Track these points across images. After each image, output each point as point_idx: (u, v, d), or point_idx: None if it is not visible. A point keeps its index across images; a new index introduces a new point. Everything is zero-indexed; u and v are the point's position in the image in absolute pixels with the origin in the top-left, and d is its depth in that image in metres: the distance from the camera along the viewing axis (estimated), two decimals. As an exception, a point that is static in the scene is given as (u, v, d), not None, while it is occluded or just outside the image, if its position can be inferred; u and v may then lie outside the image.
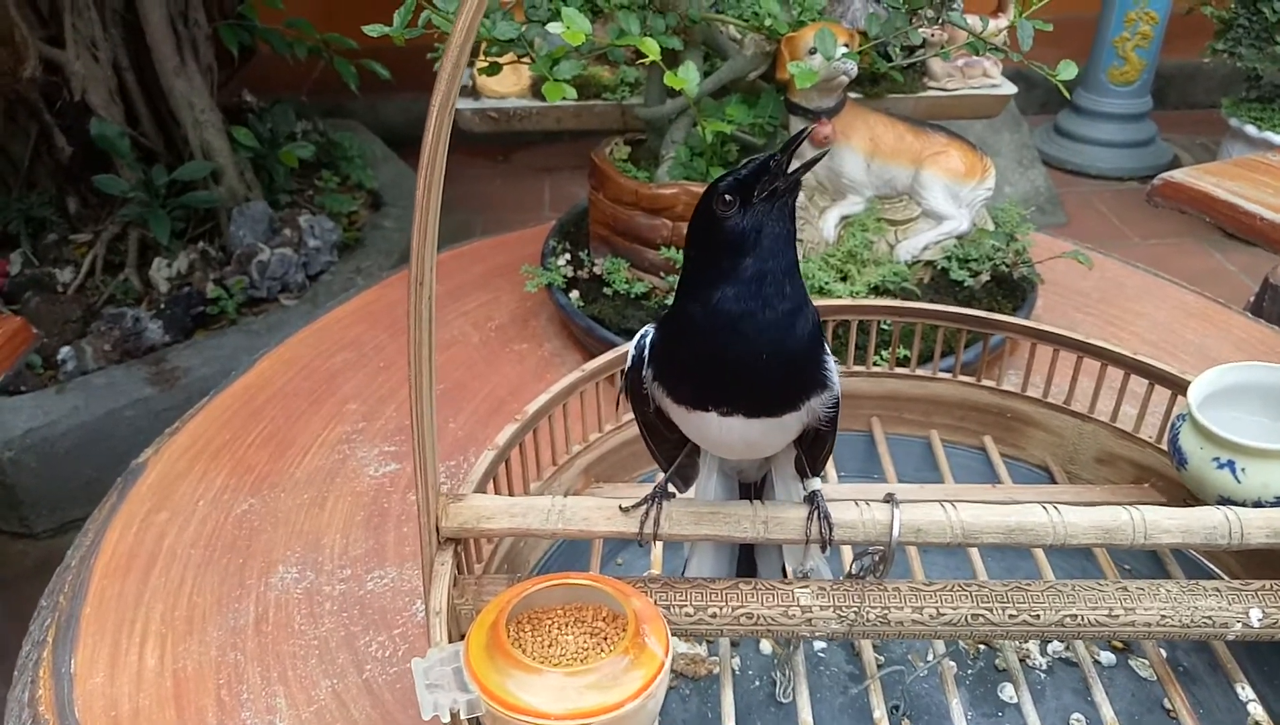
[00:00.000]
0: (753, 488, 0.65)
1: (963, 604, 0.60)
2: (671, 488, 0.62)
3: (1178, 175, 1.65)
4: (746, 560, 0.65)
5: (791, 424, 0.55)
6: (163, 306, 2.10)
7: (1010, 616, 0.59)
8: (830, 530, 0.58)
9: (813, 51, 0.96)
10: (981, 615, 0.59)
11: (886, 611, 0.59)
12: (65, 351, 1.98)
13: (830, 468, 0.83)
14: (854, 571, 0.62)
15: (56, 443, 1.84)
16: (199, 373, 1.98)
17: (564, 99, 0.93)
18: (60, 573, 0.84)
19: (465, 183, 3.28)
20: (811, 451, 0.59)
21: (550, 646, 0.53)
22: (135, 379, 1.95)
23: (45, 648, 0.76)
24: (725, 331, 0.51)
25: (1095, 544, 0.58)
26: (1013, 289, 1.05)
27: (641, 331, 0.58)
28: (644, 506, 0.59)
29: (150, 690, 0.72)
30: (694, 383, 0.54)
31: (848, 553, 0.74)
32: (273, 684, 0.72)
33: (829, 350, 0.55)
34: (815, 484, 0.61)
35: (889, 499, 0.59)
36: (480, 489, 0.64)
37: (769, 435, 0.56)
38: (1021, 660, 0.69)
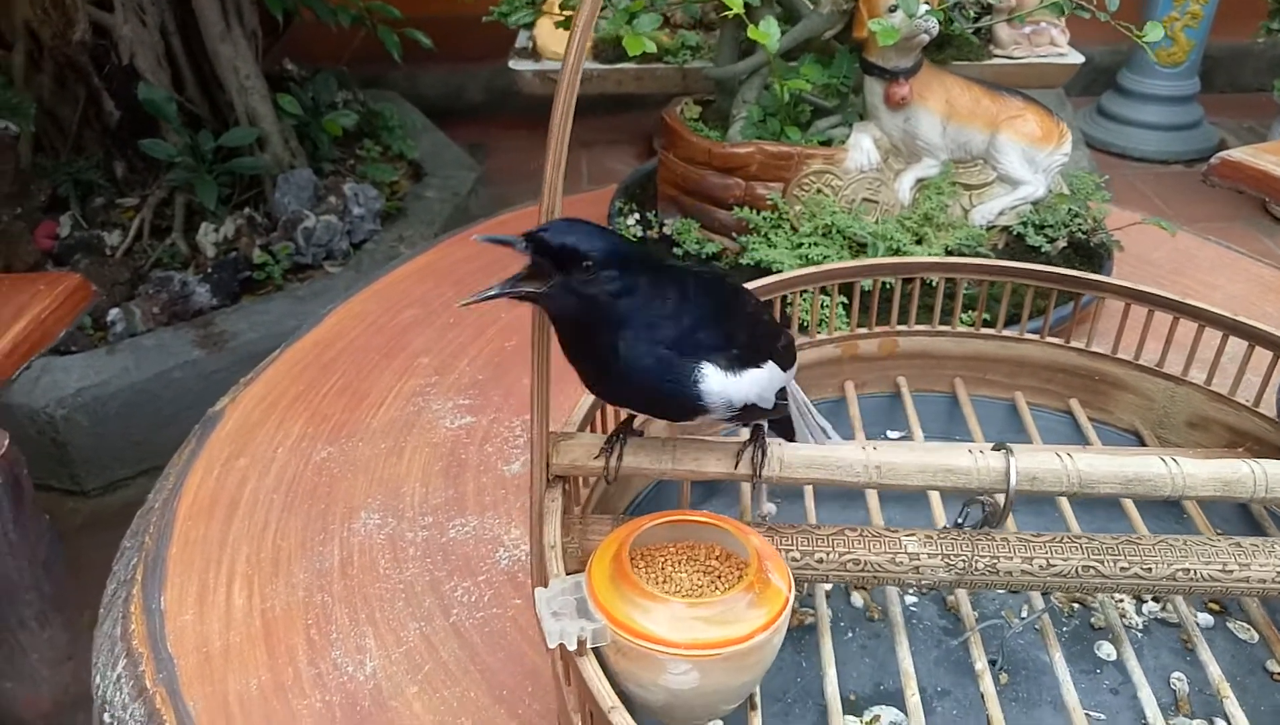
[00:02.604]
0: None
1: (1073, 556, 0.59)
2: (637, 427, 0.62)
3: (1236, 154, 1.62)
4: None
5: (692, 423, 0.57)
6: (210, 271, 2.11)
7: (1121, 569, 0.59)
8: (763, 463, 0.58)
9: (893, 9, 0.95)
10: (1093, 567, 0.59)
11: (996, 561, 0.59)
12: (114, 313, 2.00)
13: (915, 427, 0.82)
14: (961, 522, 0.61)
15: (107, 402, 1.85)
16: (246, 337, 1.99)
17: (643, 52, 0.92)
18: (143, 514, 0.84)
19: (503, 154, 3.28)
20: (741, 419, 0.58)
21: (664, 583, 0.53)
22: (184, 341, 1.96)
23: (134, 585, 0.76)
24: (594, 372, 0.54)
25: (1213, 496, 0.57)
26: (1089, 256, 1.03)
27: None
28: (607, 453, 0.59)
29: (240, 628, 0.72)
30: (591, 383, 0.57)
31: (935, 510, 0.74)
32: (361, 625, 0.72)
33: (711, 374, 0.53)
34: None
35: (1002, 447, 0.58)
36: (580, 430, 0.64)
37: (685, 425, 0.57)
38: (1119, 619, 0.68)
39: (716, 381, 0.53)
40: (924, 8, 0.93)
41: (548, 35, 1.32)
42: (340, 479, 0.85)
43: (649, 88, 1.35)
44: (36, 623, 1.31)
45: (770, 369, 0.56)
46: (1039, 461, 0.57)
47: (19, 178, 2.05)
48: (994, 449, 0.59)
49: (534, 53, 1.34)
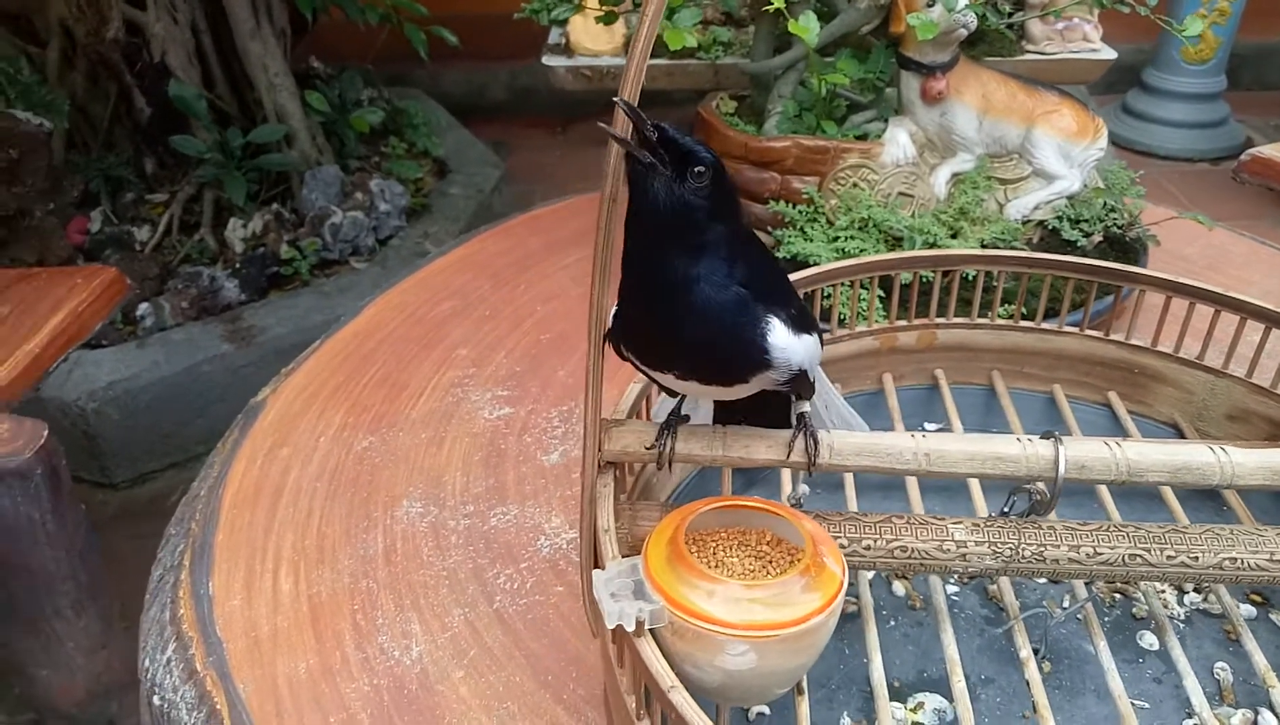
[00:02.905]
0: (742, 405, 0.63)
1: (1120, 544, 0.59)
2: (687, 414, 0.62)
3: (1266, 150, 1.62)
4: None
5: (743, 390, 0.55)
6: (238, 266, 2.13)
7: (1168, 558, 0.59)
8: (816, 452, 0.58)
9: (931, 4, 0.95)
10: (1139, 556, 0.59)
11: (1043, 549, 0.59)
12: (144, 308, 2.02)
13: (954, 419, 0.82)
14: (1007, 510, 0.62)
15: (138, 396, 1.87)
16: (274, 331, 2.01)
17: (683, 46, 0.93)
18: (189, 501, 0.85)
19: (524, 153, 3.29)
20: (790, 388, 0.59)
21: (716, 568, 0.53)
22: (213, 336, 1.98)
23: (182, 571, 0.77)
24: (653, 313, 0.52)
25: (1261, 485, 0.57)
26: (1125, 250, 1.03)
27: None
28: (662, 437, 0.59)
29: (287, 613, 0.73)
30: (647, 352, 0.55)
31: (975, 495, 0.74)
32: (406, 611, 0.73)
33: (777, 325, 0.53)
34: (804, 406, 0.60)
35: (1050, 435, 0.59)
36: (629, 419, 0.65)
37: (728, 393, 0.56)
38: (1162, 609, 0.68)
39: (782, 336, 0.52)
40: (962, 2, 0.94)
41: (581, 31, 1.33)
42: (382, 468, 0.86)
43: (680, 84, 1.35)
44: (72, 611, 1.33)
45: (816, 342, 0.56)
46: (1088, 449, 0.58)
47: (52, 173, 2.07)
48: (1043, 437, 0.59)
49: (567, 49, 1.35)
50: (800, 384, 0.56)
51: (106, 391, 1.85)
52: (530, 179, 3.10)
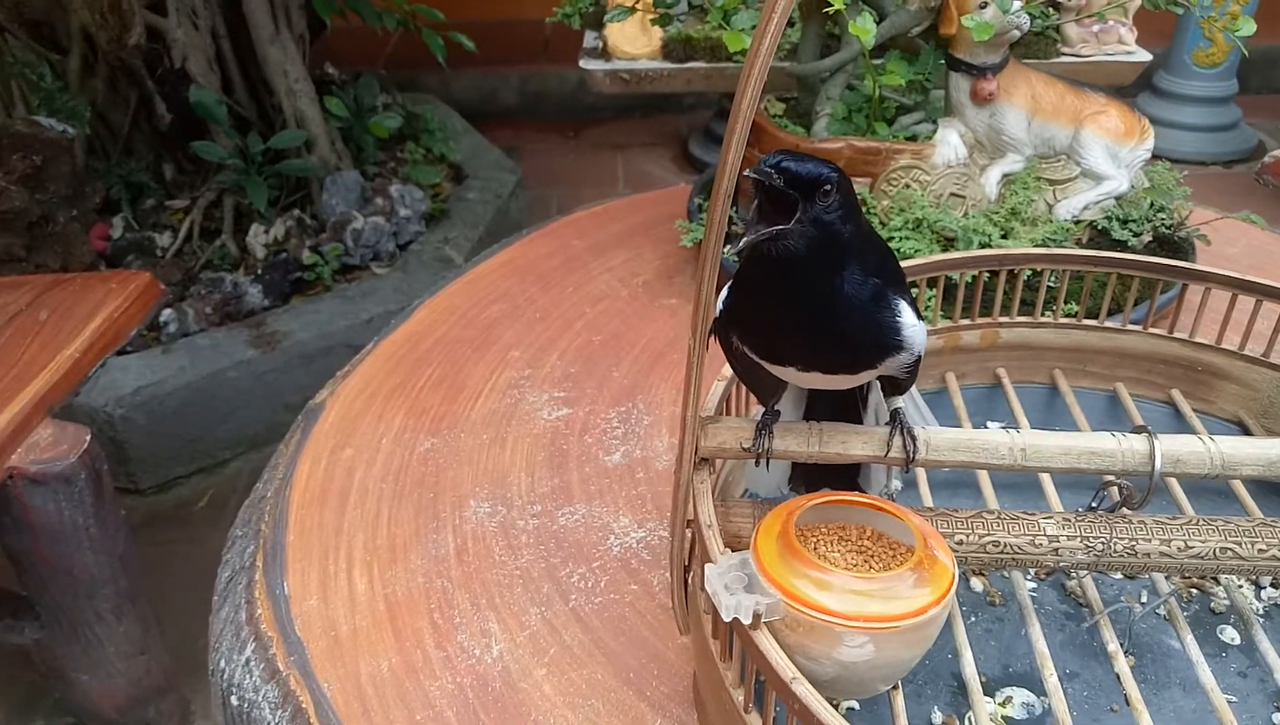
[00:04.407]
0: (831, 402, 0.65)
1: (1211, 538, 0.60)
2: (778, 410, 0.62)
3: (1290, 152, 1.63)
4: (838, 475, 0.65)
5: (867, 376, 0.56)
6: (261, 272, 2.13)
7: (1260, 551, 0.59)
8: (915, 448, 0.59)
9: (984, 5, 0.96)
10: (1230, 549, 0.59)
11: (1134, 543, 0.59)
12: (167, 313, 2.02)
13: (1020, 417, 0.83)
14: (1095, 505, 0.62)
15: (164, 401, 1.87)
16: (298, 336, 2.01)
17: (742, 50, 0.93)
18: (255, 503, 0.85)
19: (537, 158, 3.30)
20: (891, 382, 0.59)
21: (819, 562, 0.54)
22: (237, 341, 1.98)
23: (255, 572, 0.77)
24: (772, 305, 0.52)
25: (1354, 478, 0.58)
26: (1174, 250, 1.04)
27: (726, 287, 0.57)
28: (759, 438, 0.59)
29: (365, 612, 0.73)
30: (767, 347, 0.55)
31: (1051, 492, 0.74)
32: (483, 609, 0.73)
33: (906, 308, 0.54)
34: (898, 402, 0.61)
35: (1143, 430, 0.59)
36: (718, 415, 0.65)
37: (849, 382, 0.57)
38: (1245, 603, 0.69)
39: (910, 318, 0.53)
40: (1016, 4, 0.94)
41: (618, 35, 1.34)
42: (446, 469, 0.87)
43: (718, 87, 1.36)
44: (113, 615, 1.33)
45: (925, 327, 0.57)
46: (1182, 444, 0.58)
47: (74, 180, 2.08)
48: (1134, 432, 0.60)
49: (604, 53, 1.36)
50: (913, 372, 0.56)
51: (133, 397, 1.85)
52: (544, 184, 3.11)
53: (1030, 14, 1.04)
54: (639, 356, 1.02)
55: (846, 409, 0.63)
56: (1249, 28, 0.93)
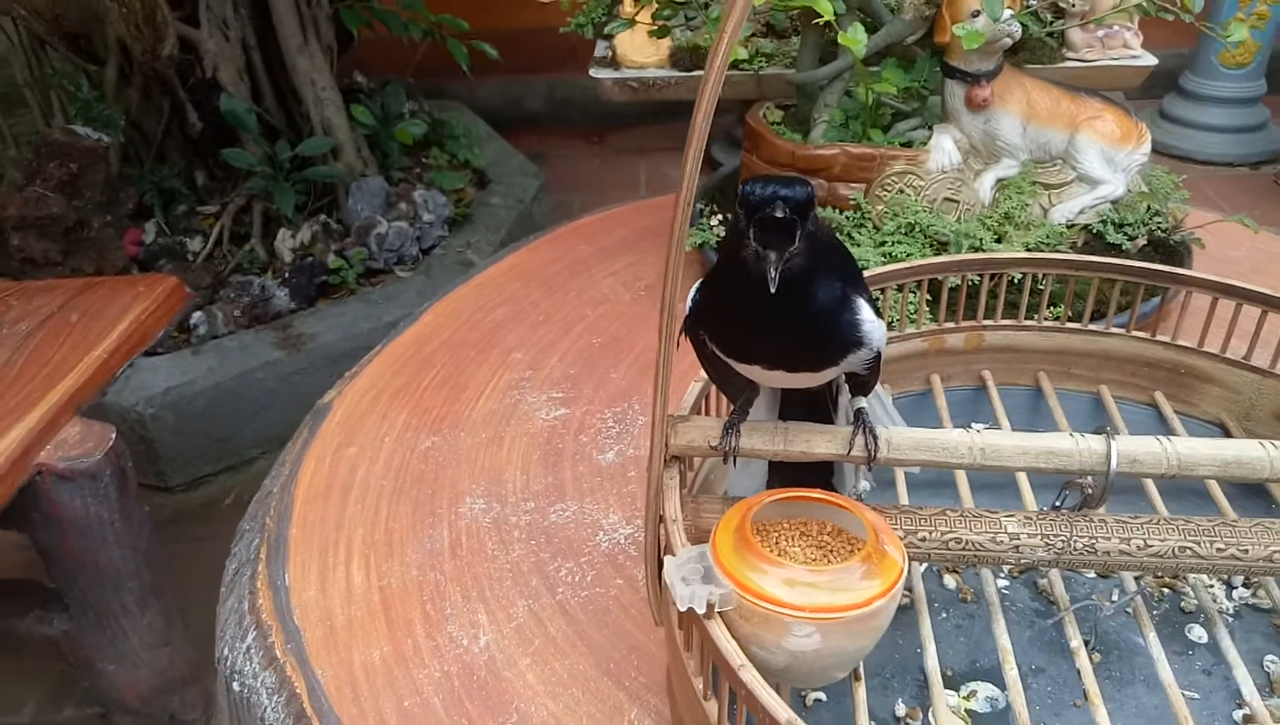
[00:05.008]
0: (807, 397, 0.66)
1: (1170, 537, 0.61)
2: (746, 409, 0.64)
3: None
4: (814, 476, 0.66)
5: (833, 372, 0.58)
6: (288, 275, 2.18)
7: (1218, 550, 0.60)
8: (876, 447, 0.60)
9: (976, 13, 0.97)
10: (1189, 548, 0.61)
11: (1094, 542, 0.61)
12: (197, 316, 2.08)
13: (1002, 418, 0.84)
14: (1059, 504, 0.64)
15: (193, 401, 1.93)
16: (323, 338, 2.06)
17: (737, 60, 0.95)
18: (262, 498, 0.89)
19: (562, 163, 3.34)
20: (856, 380, 0.61)
21: (779, 557, 0.56)
22: (264, 343, 2.03)
23: (259, 563, 0.81)
24: (742, 305, 0.54)
25: (1311, 479, 0.59)
26: (1169, 254, 1.04)
27: (695, 286, 0.60)
28: (726, 437, 0.61)
29: (360, 603, 0.76)
30: (734, 345, 0.57)
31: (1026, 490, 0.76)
32: (473, 602, 0.76)
33: (865, 307, 0.56)
34: (861, 402, 0.63)
35: (1103, 431, 0.61)
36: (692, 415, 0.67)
37: (813, 380, 0.59)
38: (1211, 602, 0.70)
39: (869, 314, 0.56)
40: (1008, 12, 0.96)
41: (627, 45, 1.36)
42: (445, 466, 0.90)
43: (724, 94, 1.38)
44: (137, 607, 1.38)
45: (884, 325, 0.59)
46: (1139, 444, 0.60)
47: (109, 186, 2.14)
48: (1094, 433, 0.61)
49: (614, 61, 1.38)
50: (875, 369, 0.58)
51: (163, 397, 1.90)
52: (569, 189, 3.15)
53: (1022, 23, 1.05)
54: (637, 358, 1.04)
55: (818, 410, 0.65)
56: (1239, 33, 0.93)
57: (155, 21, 2.13)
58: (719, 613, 0.51)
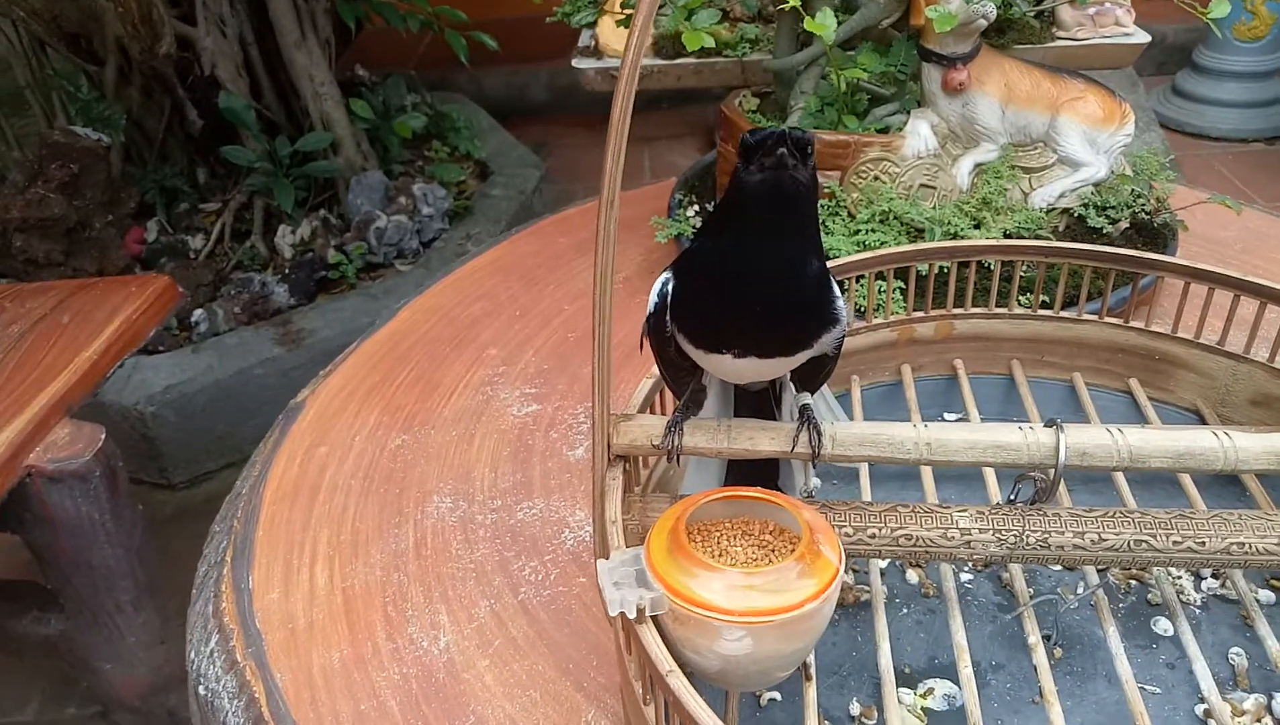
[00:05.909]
0: (755, 398, 0.66)
1: (1125, 530, 0.60)
2: (690, 407, 0.63)
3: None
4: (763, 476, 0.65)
5: (802, 356, 0.57)
6: (287, 271, 2.19)
7: (1174, 543, 0.59)
8: (820, 442, 0.59)
9: (949, -5, 0.95)
10: (1145, 541, 0.59)
11: (1047, 536, 0.60)
12: (198, 313, 2.09)
13: (971, 409, 0.83)
14: (1013, 498, 0.63)
15: (193, 398, 1.94)
16: (322, 333, 2.06)
17: (701, 47, 0.94)
18: (232, 499, 0.89)
19: (566, 152, 3.32)
20: (813, 371, 0.61)
21: (720, 557, 0.55)
22: (264, 339, 2.04)
23: (224, 566, 0.81)
24: (731, 278, 0.54)
25: (1268, 470, 0.57)
26: (1153, 237, 1.02)
27: (662, 276, 0.59)
28: (669, 435, 0.61)
29: (323, 605, 0.76)
30: (710, 329, 0.57)
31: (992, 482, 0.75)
32: (435, 603, 0.76)
33: (836, 290, 0.57)
34: (806, 398, 0.62)
35: (1053, 423, 0.59)
36: (640, 413, 0.67)
37: (780, 367, 0.58)
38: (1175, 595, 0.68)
39: (838, 291, 0.56)
40: (979, -7, 0.94)
41: (609, 34, 1.35)
42: (414, 465, 0.89)
43: (708, 82, 1.36)
44: (132, 607, 1.39)
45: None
46: (1089, 436, 0.58)
47: (110, 186, 2.16)
48: (1045, 425, 0.60)
49: (596, 51, 1.37)
50: (837, 355, 0.58)
51: (164, 395, 1.92)
52: (571, 178, 3.14)
53: (1008, 2, 1.03)
54: (612, 352, 1.03)
55: (764, 410, 0.64)
56: (1220, 10, 0.91)
57: (152, 20, 2.13)
58: (651, 617, 0.51)
